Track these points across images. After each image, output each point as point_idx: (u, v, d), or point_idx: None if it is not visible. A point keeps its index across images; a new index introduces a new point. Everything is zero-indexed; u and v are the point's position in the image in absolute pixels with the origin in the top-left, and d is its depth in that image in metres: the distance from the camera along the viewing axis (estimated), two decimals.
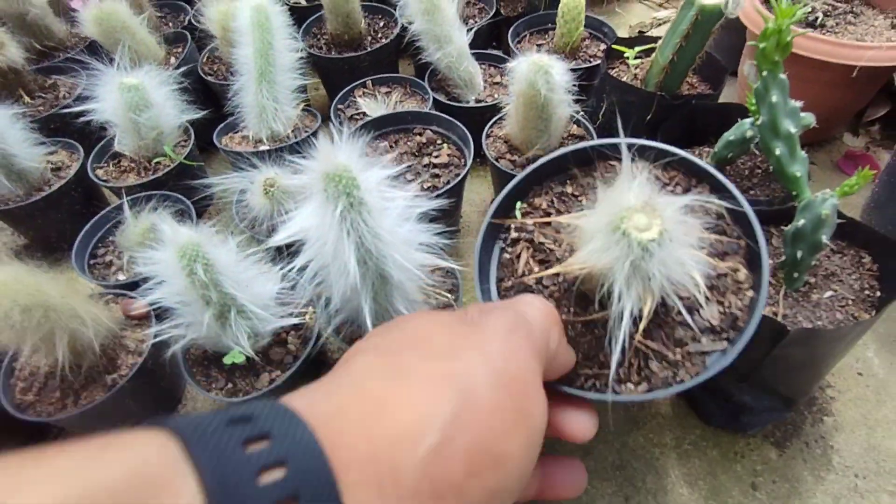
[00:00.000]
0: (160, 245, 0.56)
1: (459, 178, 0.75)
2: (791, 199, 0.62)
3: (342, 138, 0.45)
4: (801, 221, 0.55)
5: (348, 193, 0.44)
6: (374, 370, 0.28)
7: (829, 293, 0.59)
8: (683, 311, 0.37)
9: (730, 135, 0.68)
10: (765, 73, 0.55)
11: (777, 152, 0.56)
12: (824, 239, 0.55)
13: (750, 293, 0.39)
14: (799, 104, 0.56)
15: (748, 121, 0.67)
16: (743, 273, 0.40)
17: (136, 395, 0.65)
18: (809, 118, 0.66)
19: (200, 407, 0.76)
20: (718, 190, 0.42)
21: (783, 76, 0.55)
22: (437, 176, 0.81)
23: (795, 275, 0.58)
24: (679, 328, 0.39)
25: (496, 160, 0.82)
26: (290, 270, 0.50)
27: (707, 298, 0.39)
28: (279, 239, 0.47)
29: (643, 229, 0.32)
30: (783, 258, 0.59)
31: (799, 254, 0.56)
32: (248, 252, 0.62)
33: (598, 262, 0.34)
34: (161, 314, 0.64)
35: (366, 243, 0.46)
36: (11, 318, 0.51)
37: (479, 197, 0.97)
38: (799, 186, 0.56)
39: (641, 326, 0.36)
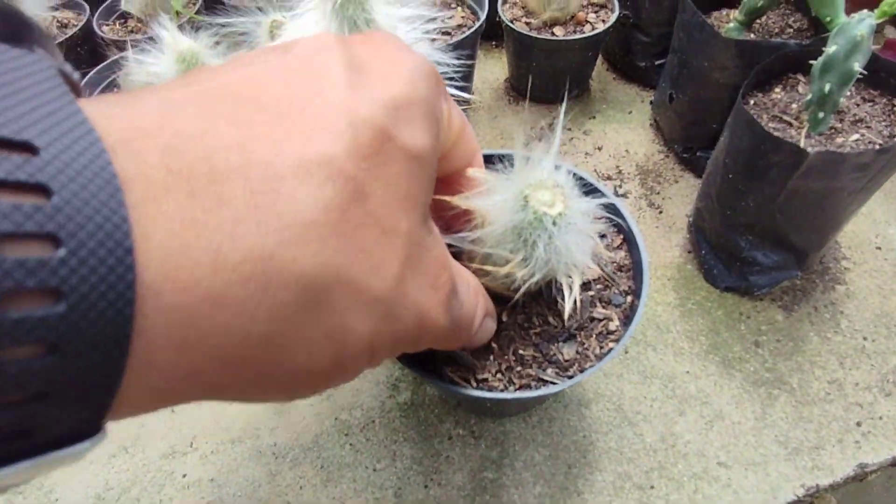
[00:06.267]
0: (158, 53, 0.55)
1: (473, 30, 0.72)
2: (821, 43, 0.58)
3: None
4: (832, 48, 0.51)
5: None
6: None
7: (855, 136, 0.56)
8: (541, 341, 0.39)
9: None
10: None
11: None
12: (857, 67, 0.51)
13: (611, 345, 0.39)
14: None
15: None
16: (615, 325, 0.41)
17: None
18: None
19: None
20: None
21: None
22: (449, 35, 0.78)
23: (821, 115, 0.55)
24: (531, 348, 0.39)
25: (511, 22, 0.78)
26: None
27: (572, 335, 0.40)
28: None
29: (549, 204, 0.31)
30: (808, 97, 0.55)
31: (827, 86, 0.53)
32: None
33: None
34: None
35: None
36: None
37: (493, 76, 0.93)
38: (834, 9, 0.52)
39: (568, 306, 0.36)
